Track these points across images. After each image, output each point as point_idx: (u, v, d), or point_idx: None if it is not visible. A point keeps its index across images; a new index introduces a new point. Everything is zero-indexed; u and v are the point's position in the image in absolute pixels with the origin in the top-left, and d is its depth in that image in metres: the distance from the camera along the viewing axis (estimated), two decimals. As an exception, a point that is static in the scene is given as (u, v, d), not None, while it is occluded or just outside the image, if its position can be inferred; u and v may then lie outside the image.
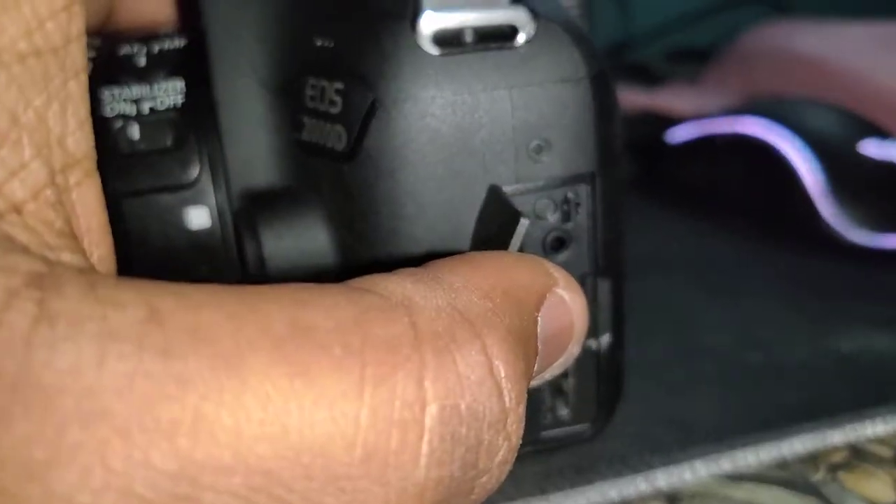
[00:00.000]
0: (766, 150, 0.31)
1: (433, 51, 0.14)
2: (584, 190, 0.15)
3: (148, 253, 0.15)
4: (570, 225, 0.15)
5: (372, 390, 0.09)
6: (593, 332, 0.16)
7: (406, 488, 0.10)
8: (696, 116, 0.37)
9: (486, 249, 0.14)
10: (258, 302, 0.09)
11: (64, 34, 0.10)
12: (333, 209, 0.15)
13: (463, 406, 0.10)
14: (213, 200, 0.16)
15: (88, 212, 0.11)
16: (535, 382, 0.13)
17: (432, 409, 0.10)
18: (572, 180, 0.15)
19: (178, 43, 0.17)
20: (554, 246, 0.15)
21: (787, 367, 0.22)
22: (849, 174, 0.30)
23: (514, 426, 0.11)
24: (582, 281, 0.15)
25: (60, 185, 0.10)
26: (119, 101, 0.16)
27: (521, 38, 0.14)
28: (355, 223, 0.15)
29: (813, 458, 0.18)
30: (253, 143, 0.16)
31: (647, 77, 0.61)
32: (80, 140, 0.11)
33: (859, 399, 0.20)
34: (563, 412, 0.16)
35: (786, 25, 0.51)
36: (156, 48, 0.17)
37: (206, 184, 0.16)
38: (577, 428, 0.17)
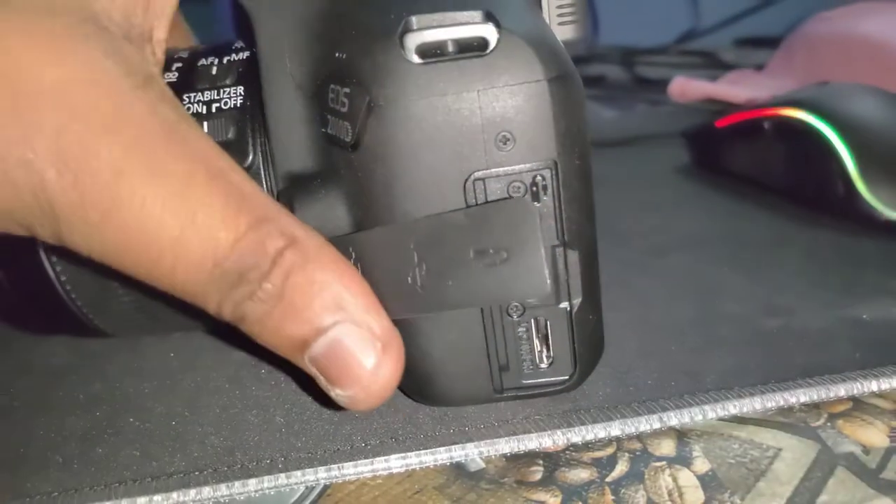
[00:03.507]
0: (808, 132, 0.32)
1: (416, 60, 0.17)
2: (548, 174, 0.18)
3: None
4: (538, 205, 0.18)
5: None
6: (564, 295, 0.19)
7: None
8: (748, 104, 0.38)
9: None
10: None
11: None
12: (347, 188, 0.18)
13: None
14: (264, 181, 0.20)
15: None
16: None
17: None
18: (536, 166, 0.17)
19: (243, 55, 0.21)
20: None
21: (804, 332, 0.23)
22: (886, 154, 0.30)
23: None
24: (552, 252, 0.18)
25: None
26: (194, 103, 0.21)
27: (489, 49, 0.17)
28: (362, 199, 0.18)
29: (816, 407, 0.20)
30: (292, 136, 0.19)
31: (715, 64, 0.62)
32: None
33: (871, 362, 0.21)
34: (544, 364, 0.19)
35: (852, 8, 0.51)
36: (225, 60, 0.21)
37: (260, 168, 0.20)
38: (556, 378, 0.19)
